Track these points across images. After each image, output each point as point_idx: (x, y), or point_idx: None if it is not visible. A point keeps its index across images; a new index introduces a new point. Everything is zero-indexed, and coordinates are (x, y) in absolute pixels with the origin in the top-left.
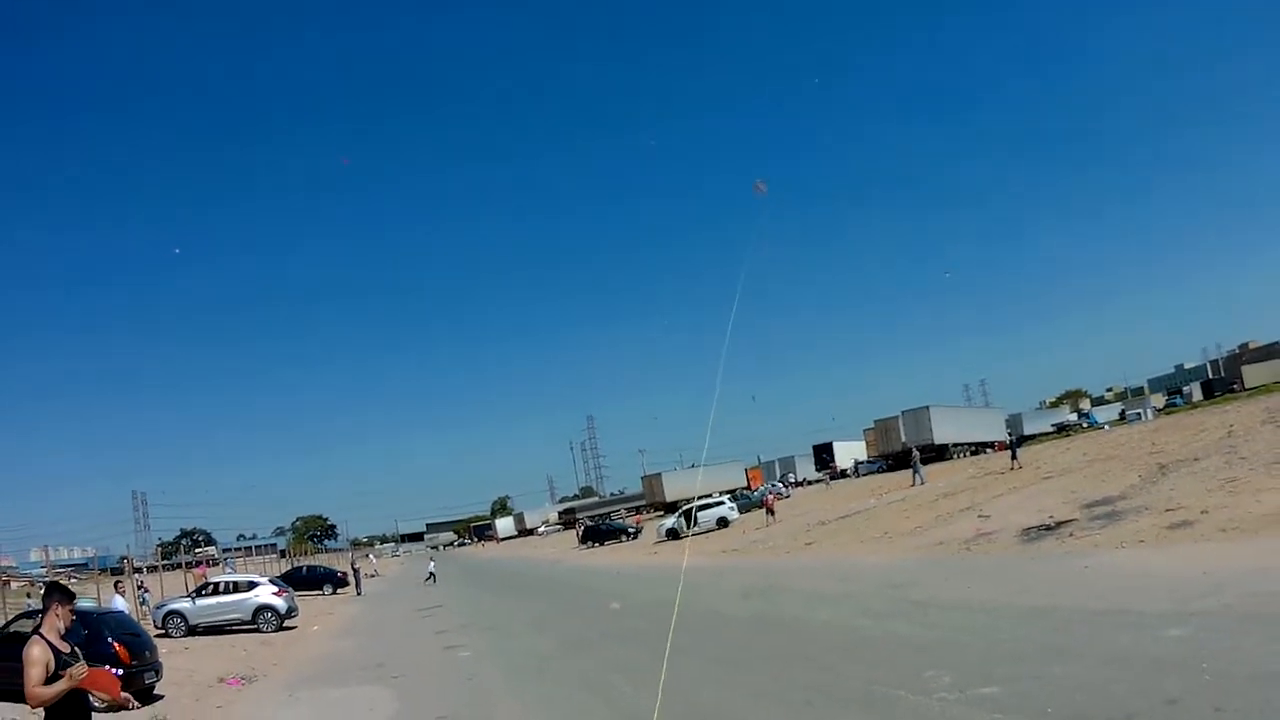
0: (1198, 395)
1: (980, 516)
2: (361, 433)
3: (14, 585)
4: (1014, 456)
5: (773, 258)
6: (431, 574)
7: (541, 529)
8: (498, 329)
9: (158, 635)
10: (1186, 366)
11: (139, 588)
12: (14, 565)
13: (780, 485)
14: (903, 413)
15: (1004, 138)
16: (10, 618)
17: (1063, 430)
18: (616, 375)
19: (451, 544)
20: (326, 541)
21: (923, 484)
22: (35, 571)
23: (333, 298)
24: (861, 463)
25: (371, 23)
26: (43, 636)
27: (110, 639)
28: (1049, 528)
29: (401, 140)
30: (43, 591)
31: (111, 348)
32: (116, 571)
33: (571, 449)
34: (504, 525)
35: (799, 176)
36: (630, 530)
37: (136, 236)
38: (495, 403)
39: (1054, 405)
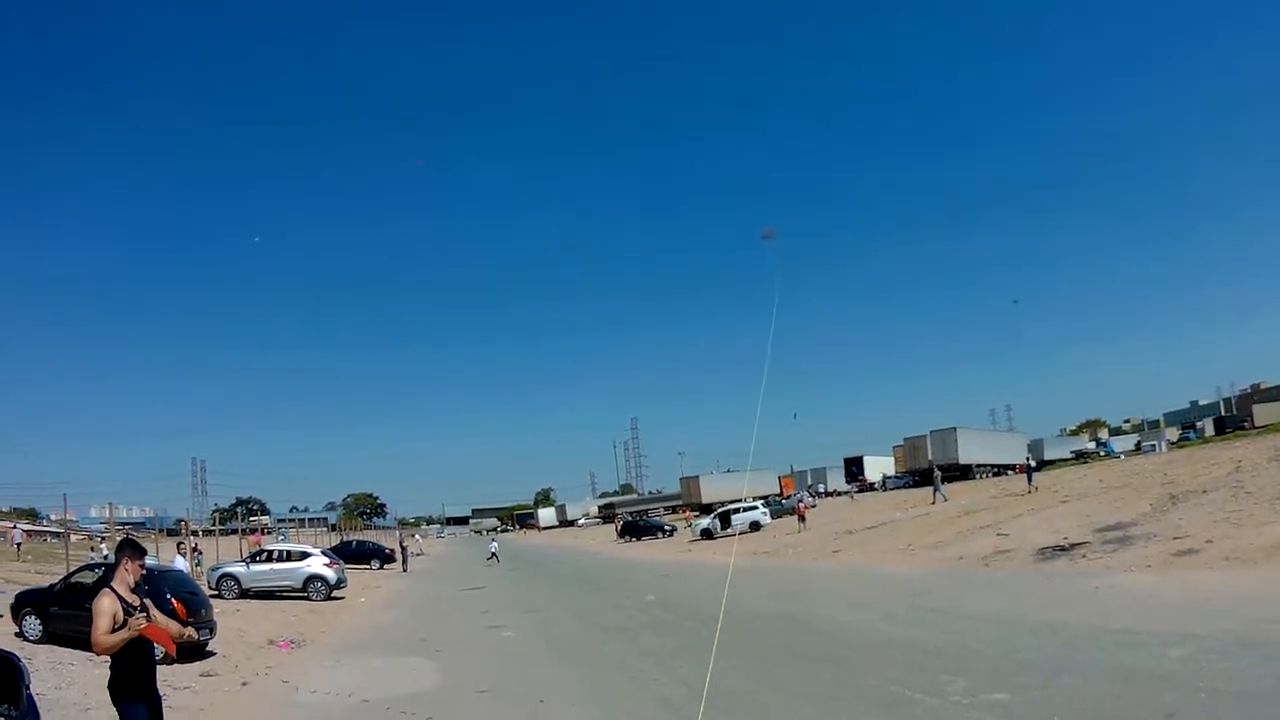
0: (1210, 431)
1: (999, 534)
2: (415, 418)
3: (74, 539)
4: (1030, 480)
5: (815, 277)
6: (494, 554)
7: (581, 521)
8: (553, 327)
9: (211, 596)
10: (1201, 403)
11: (194, 550)
12: (75, 519)
13: (807, 495)
14: (931, 432)
15: (1040, 173)
16: (72, 569)
17: (1081, 457)
18: (663, 379)
19: (495, 529)
20: (375, 519)
21: (945, 501)
22: (95, 526)
23: (397, 286)
24: (889, 477)
25: (435, 28)
26: (113, 589)
27: (169, 595)
28: (1063, 549)
29: (468, 138)
30: (116, 546)
31: (182, 317)
32: (173, 533)
33: (615, 448)
34: (546, 515)
35: (841, 196)
36: (666, 528)
37: (205, 210)
38: (545, 398)
39: (1074, 433)
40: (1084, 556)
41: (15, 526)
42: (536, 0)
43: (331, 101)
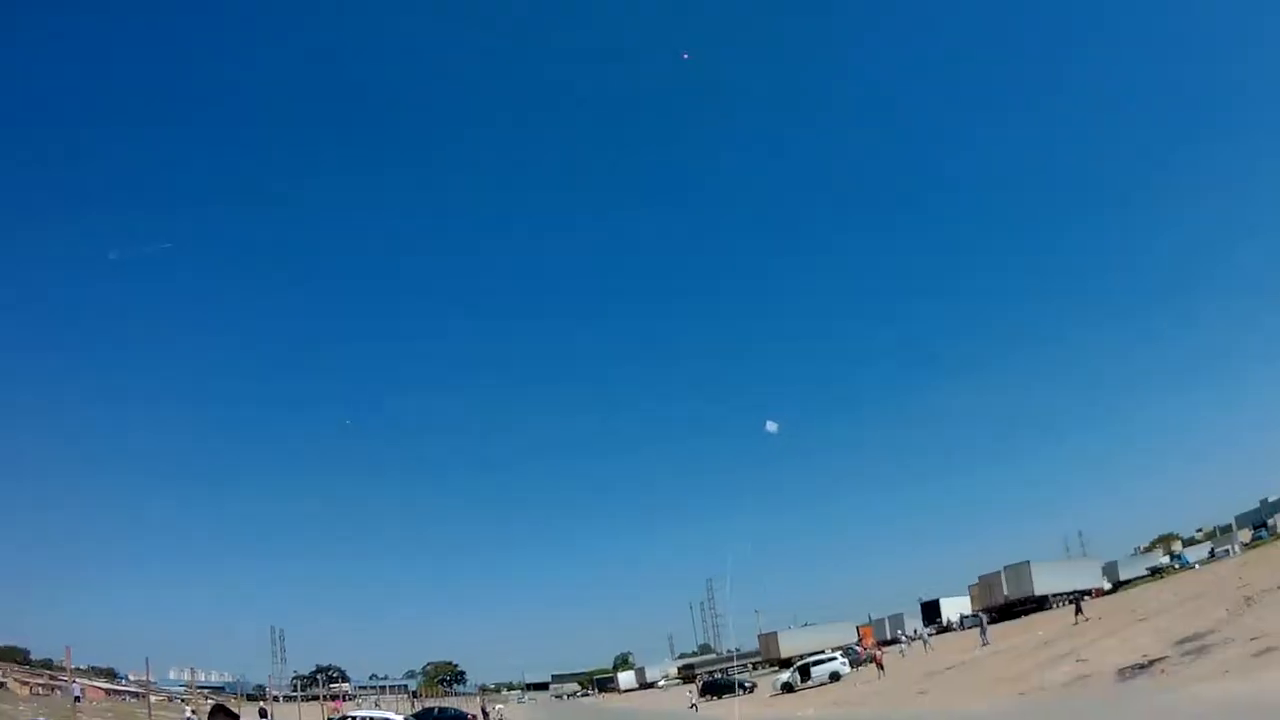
0: None
1: (1078, 660)
2: (496, 586)
3: (153, 699)
4: (1079, 610)
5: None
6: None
7: (661, 682)
8: (627, 505)
9: None
10: (1270, 499)
11: (265, 715)
12: (154, 681)
13: (915, 634)
14: (1005, 568)
15: (1096, 301)
16: None
17: (1156, 573)
18: (736, 539)
19: (575, 694)
20: (456, 686)
21: (987, 644)
22: (174, 688)
23: (469, 459)
24: (966, 617)
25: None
26: None
27: None
28: (1142, 666)
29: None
30: (209, 711)
31: (268, 496)
32: (252, 698)
33: (691, 609)
34: (625, 678)
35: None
36: (746, 684)
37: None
38: (622, 566)
39: (1148, 550)
40: (1163, 671)
41: (74, 682)
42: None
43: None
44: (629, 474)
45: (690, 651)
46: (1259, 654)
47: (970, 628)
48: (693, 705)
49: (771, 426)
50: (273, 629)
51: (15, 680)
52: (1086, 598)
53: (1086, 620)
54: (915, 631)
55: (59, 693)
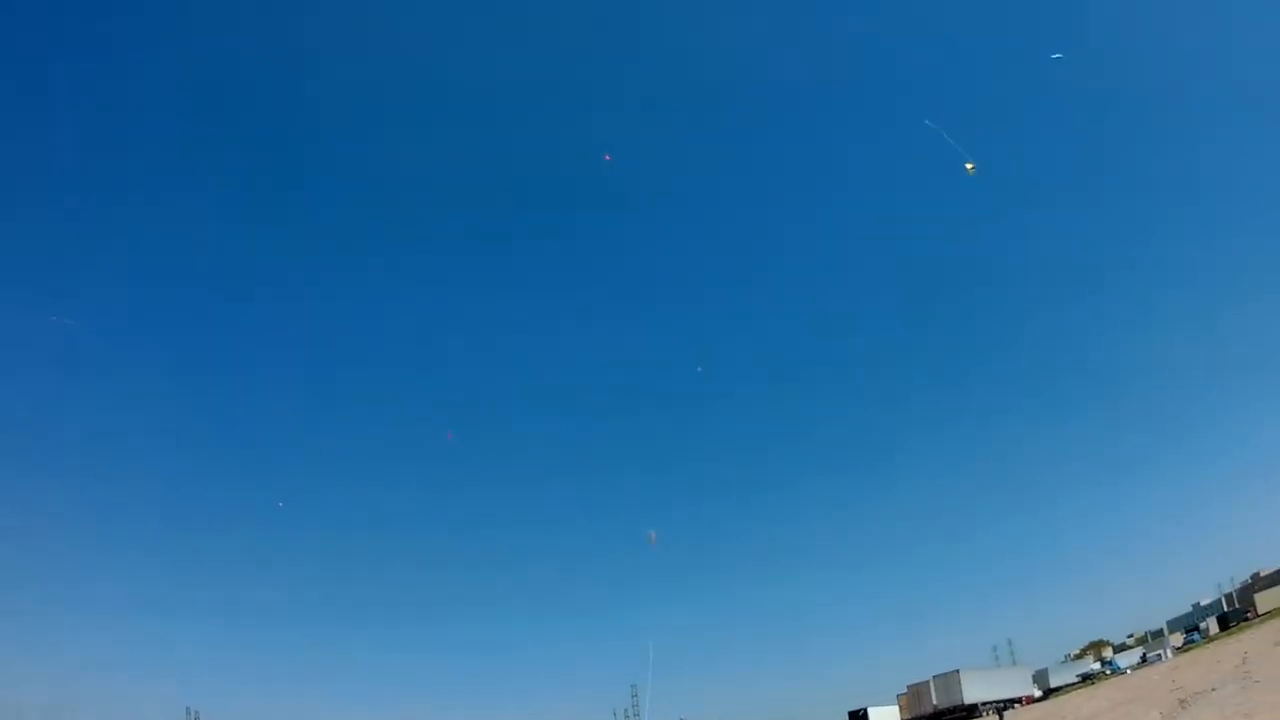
0: (1214, 629)
1: None
2: (414, 681)
3: None
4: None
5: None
6: None
7: None
8: (548, 604)
9: None
10: (1202, 603)
11: None
12: None
13: None
14: (933, 677)
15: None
16: None
17: (1087, 679)
18: (661, 646)
19: None
20: None
21: None
22: None
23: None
24: None
25: None
26: None
27: None
28: None
29: None
30: None
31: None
32: None
33: (615, 716)
34: None
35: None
36: None
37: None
38: (541, 671)
39: (1079, 657)
40: None
41: None
42: None
43: None
44: (555, 576)
45: None
46: None
47: None
48: None
49: (651, 536)
50: (189, 710)
51: None
52: (1017, 705)
53: None
54: None
55: None
